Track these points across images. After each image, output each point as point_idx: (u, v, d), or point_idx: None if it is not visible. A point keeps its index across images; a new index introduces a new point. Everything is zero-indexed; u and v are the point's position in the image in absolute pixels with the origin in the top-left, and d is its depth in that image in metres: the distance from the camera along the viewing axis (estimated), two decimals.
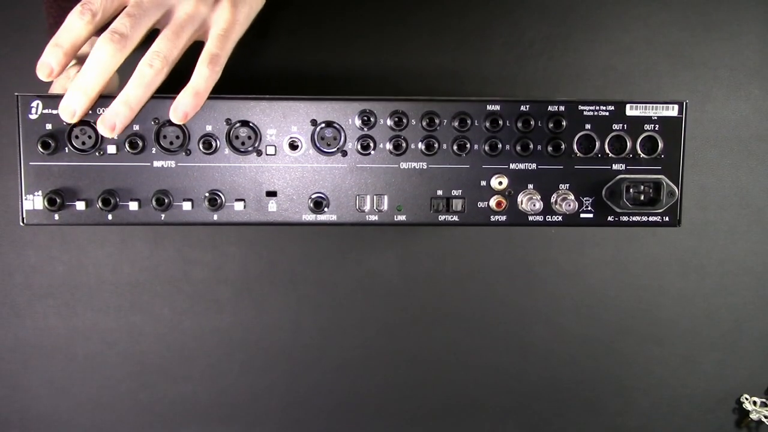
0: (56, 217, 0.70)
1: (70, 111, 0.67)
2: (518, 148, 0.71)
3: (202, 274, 0.99)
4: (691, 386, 1.05)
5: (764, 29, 0.99)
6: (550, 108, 0.71)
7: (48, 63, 0.66)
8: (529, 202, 0.71)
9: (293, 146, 0.70)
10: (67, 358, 1.00)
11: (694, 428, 1.06)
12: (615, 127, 0.71)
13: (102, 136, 0.69)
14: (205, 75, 0.68)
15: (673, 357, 1.04)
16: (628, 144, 0.71)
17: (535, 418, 1.05)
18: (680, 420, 1.06)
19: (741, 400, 1.05)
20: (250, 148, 0.70)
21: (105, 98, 0.68)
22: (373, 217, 0.72)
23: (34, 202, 0.69)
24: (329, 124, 0.70)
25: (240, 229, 0.99)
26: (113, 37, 0.65)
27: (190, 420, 1.02)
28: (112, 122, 0.67)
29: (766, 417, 1.04)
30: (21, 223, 0.69)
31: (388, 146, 0.71)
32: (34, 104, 0.68)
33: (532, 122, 0.71)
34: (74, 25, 0.66)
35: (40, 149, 0.68)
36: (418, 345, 1.02)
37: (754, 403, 1.05)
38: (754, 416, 1.05)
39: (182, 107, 0.67)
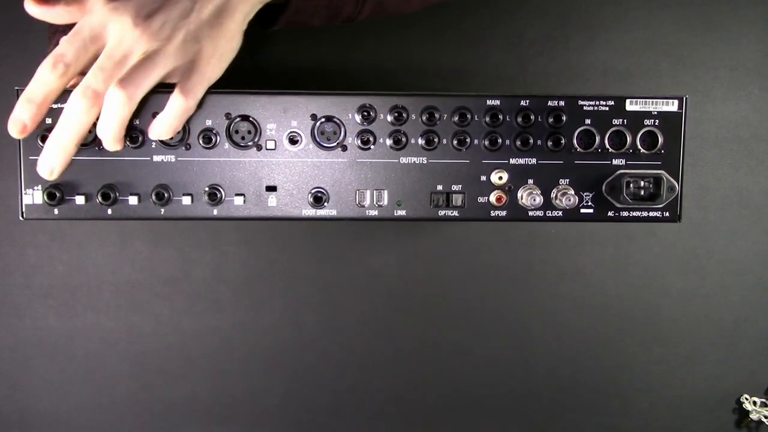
0: (56, 211, 0.70)
1: (48, 169, 0.66)
2: (518, 143, 0.71)
3: (202, 274, 0.99)
4: (691, 386, 1.05)
5: (764, 29, 0.99)
6: (550, 103, 0.71)
7: (20, 119, 0.64)
8: (529, 197, 0.71)
9: (293, 141, 0.70)
10: (67, 358, 1.00)
11: (694, 428, 1.06)
12: (615, 122, 0.71)
13: None
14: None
15: (673, 357, 1.04)
16: (628, 139, 0.71)
17: (535, 418, 1.05)
18: (680, 420, 1.06)
19: (741, 400, 1.05)
20: (249, 143, 0.70)
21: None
22: (373, 212, 0.72)
23: (34, 196, 0.69)
24: (329, 118, 0.70)
25: (240, 228, 0.99)
26: (86, 92, 0.63)
27: (190, 420, 1.02)
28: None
29: (766, 417, 1.04)
30: (20, 218, 0.69)
31: (388, 141, 0.71)
32: None
33: (532, 117, 0.71)
34: (46, 79, 0.63)
35: (40, 143, 0.68)
36: (418, 345, 1.02)
37: (754, 403, 1.05)
38: (754, 416, 1.04)
39: (152, 136, 0.69)
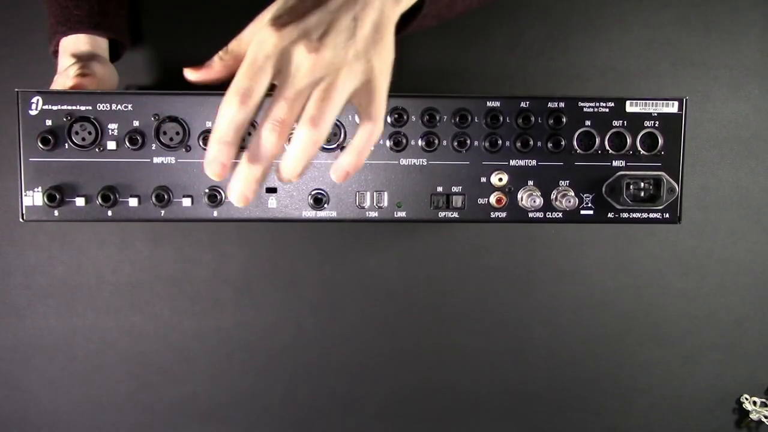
0: (56, 213, 0.70)
1: (242, 198, 0.63)
2: (518, 144, 0.71)
3: (202, 274, 0.99)
4: (691, 386, 1.05)
5: (764, 29, 0.99)
6: (550, 104, 0.71)
7: (219, 161, 0.61)
8: (529, 198, 0.71)
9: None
10: (67, 358, 1.00)
11: (694, 428, 1.06)
12: (615, 123, 0.71)
13: (102, 133, 0.69)
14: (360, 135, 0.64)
15: (673, 357, 1.04)
16: (628, 141, 0.71)
17: (535, 418, 1.05)
18: (680, 420, 1.06)
19: (741, 400, 1.05)
20: None
21: (106, 94, 0.68)
22: (373, 214, 0.72)
23: (34, 198, 0.69)
24: None
25: (240, 229, 0.99)
26: (275, 126, 0.61)
27: (190, 420, 1.02)
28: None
29: (766, 417, 1.04)
30: (21, 219, 0.69)
31: (388, 143, 0.71)
32: (34, 100, 0.68)
33: (532, 119, 0.71)
34: (236, 117, 0.61)
35: (40, 145, 0.68)
36: (418, 345, 1.02)
37: (754, 403, 1.05)
38: (754, 416, 1.04)
39: (343, 166, 0.64)
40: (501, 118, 0.71)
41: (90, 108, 0.69)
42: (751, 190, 1.01)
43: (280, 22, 0.60)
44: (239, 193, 0.62)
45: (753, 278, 1.03)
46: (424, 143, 0.71)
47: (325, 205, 0.71)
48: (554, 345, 1.03)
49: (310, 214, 0.72)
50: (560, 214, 0.72)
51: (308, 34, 0.61)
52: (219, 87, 0.69)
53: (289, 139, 0.60)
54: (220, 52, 0.65)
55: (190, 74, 0.66)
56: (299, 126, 0.61)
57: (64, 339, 1.00)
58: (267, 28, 0.61)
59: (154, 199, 0.70)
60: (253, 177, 0.62)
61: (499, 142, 0.71)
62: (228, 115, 0.60)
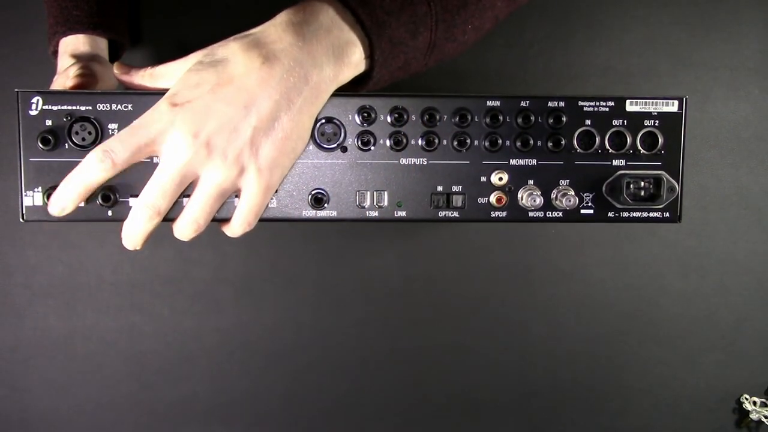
0: None
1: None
2: (518, 143, 0.71)
3: (202, 274, 0.99)
4: (691, 386, 1.05)
5: (764, 29, 0.99)
6: (550, 104, 0.71)
7: (60, 203, 0.65)
8: (529, 197, 0.71)
9: None
10: (67, 358, 1.00)
11: (694, 428, 1.06)
12: (615, 122, 0.71)
13: (102, 133, 0.69)
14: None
15: (673, 357, 1.04)
16: (629, 140, 0.71)
17: (535, 418, 1.05)
18: (680, 420, 1.06)
19: (741, 400, 1.05)
20: None
21: (106, 94, 0.68)
22: (374, 213, 0.72)
23: (34, 198, 0.69)
24: (329, 120, 0.70)
25: None
26: (149, 210, 0.65)
27: (190, 420, 1.02)
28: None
29: (766, 417, 1.04)
30: (21, 219, 0.69)
31: (388, 142, 0.71)
32: (34, 100, 0.68)
33: (532, 118, 0.70)
34: (91, 169, 0.63)
35: (40, 145, 0.68)
36: (418, 345, 1.02)
37: (754, 403, 1.05)
38: (754, 416, 1.05)
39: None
40: (501, 118, 0.71)
41: (90, 108, 0.68)
42: (751, 190, 1.01)
43: (174, 100, 0.62)
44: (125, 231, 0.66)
45: (753, 278, 1.03)
46: (424, 143, 0.71)
47: (325, 205, 0.71)
48: (554, 345, 1.03)
49: (310, 213, 0.72)
50: (560, 214, 0.72)
51: (198, 125, 0.62)
52: None
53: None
54: (149, 69, 0.69)
55: (117, 70, 0.70)
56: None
57: (64, 339, 1.00)
58: (164, 101, 0.63)
59: None
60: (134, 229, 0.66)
61: (499, 141, 0.71)
62: (85, 165, 0.64)
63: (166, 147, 0.63)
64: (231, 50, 0.63)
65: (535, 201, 0.71)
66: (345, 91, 0.69)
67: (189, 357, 1.01)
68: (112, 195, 0.69)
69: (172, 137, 0.62)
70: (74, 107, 0.68)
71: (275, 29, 0.63)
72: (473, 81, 0.97)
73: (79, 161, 0.68)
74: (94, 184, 0.64)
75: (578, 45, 0.98)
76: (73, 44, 0.83)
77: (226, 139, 0.62)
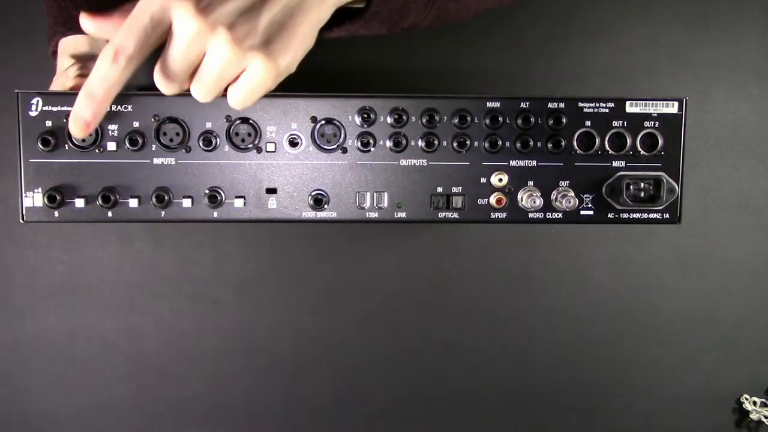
0: (56, 214, 0.70)
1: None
2: (518, 145, 0.71)
3: (202, 274, 0.99)
4: (691, 386, 1.05)
5: (764, 29, 0.99)
6: (550, 105, 0.71)
7: (82, 116, 0.61)
8: (529, 199, 0.71)
9: (293, 143, 0.70)
10: (67, 358, 1.00)
11: (694, 428, 1.06)
12: (615, 124, 0.71)
13: (102, 134, 0.69)
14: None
15: (673, 357, 1.04)
16: (628, 141, 0.71)
17: (535, 418, 1.05)
18: (680, 420, 1.06)
19: (741, 400, 1.05)
20: (250, 145, 0.70)
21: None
22: (373, 214, 0.72)
23: (34, 199, 0.69)
24: (329, 121, 0.70)
25: (240, 229, 0.99)
26: (168, 83, 0.60)
27: (190, 420, 1.02)
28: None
29: (766, 417, 1.04)
30: (21, 220, 0.69)
31: (388, 143, 0.71)
32: (34, 101, 0.68)
33: (532, 119, 0.71)
34: (106, 73, 0.59)
35: (40, 146, 0.68)
36: (418, 345, 1.02)
37: (754, 403, 1.05)
38: (754, 416, 1.05)
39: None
40: (501, 119, 0.71)
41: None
42: (751, 190, 1.01)
43: None
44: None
45: (753, 278, 1.03)
46: (424, 144, 0.71)
47: (325, 206, 0.71)
48: (554, 345, 1.03)
49: (310, 214, 0.72)
50: (560, 215, 0.72)
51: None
52: None
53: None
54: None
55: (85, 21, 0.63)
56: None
57: (64, 339, 1.00)
58: None
59: (154, 200, 0.69)
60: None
61: (499, 142, 0.71)
62: (99, 69, 0.59)
63: (174, 22, 0.58)
64: None
65: (535, 202, 0.71)
66: (339, 26, 0.68)
67: (189, 357, 1.01)
68: (113, 196, 0.69)
69: (177, 8, 0.57)
70: None
71: None
72: (473, 82, 0.97)
73: (79, 162, 0.69)
74: (114, 87, 0.60)
75: (578, 45, 0.98)
76: (72, 44, 0.83)
77: (231, 7, 0.58)
